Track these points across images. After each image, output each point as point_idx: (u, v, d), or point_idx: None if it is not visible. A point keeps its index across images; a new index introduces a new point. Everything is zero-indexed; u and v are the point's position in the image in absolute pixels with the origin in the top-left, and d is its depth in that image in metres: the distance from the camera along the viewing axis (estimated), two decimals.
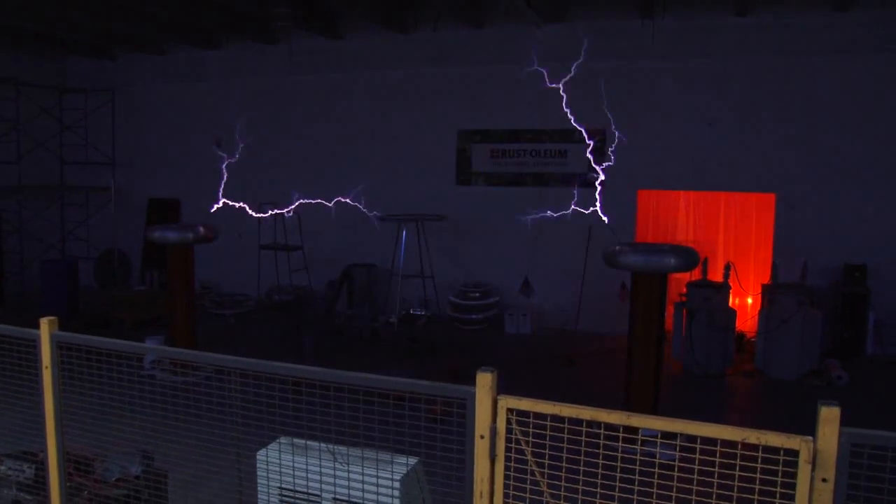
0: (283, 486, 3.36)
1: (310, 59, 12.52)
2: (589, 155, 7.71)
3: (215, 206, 8.77)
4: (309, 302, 12.33)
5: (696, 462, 2.45)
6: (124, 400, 3.88)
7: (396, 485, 3.21)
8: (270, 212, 9.83)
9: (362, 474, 3.08)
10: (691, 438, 2.45)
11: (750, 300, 10.61)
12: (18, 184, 12.82)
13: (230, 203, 8.75)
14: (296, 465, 3.25)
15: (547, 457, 2.68)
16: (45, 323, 3.53)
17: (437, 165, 11.97)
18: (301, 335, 9.70)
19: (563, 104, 7.88)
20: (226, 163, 8.87)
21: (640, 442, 2.64)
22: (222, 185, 8.77)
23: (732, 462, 2.39)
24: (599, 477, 2.63)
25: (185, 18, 11.16)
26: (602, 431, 2.57)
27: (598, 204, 7.27)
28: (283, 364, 3.11)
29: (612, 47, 10.65)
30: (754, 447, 2.33)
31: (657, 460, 2.64)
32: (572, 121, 7.43)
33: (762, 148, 10.19)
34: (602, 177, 7.26)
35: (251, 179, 9.90)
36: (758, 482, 2.36)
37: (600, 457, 2.61)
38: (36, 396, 3.63)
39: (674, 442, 2.54)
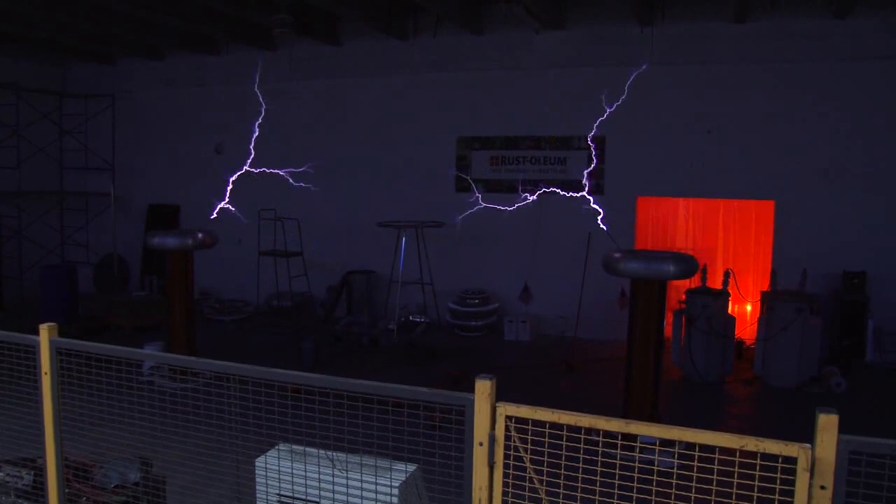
0: (282, 492, 3.35)
1: (309, 65, 12.55)
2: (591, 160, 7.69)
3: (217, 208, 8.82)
4: (308, 308, 12.32)
5: (695, 469, 2.45)
6: (123, 406, 3.89)
7: (395, 492, 3.20)
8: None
9: (361, 481, 3.08)
10: (690, 446, 2.45)
11: (749, 307, 10.61)
12: (18, 189, 12.83)
13: (231, 209, 8.82)
14: (295, 471, 3.25)
15: (545, 464, 2.69)
16: (44, 329, 3.53)
17: (437, 172, 11.98)
18: (300, 342, 9.70)
19: (563, 111, 7.91)
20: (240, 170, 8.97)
21: (638, 449, 2.65)
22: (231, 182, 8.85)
23: (731, 469, 2.40)
24: (598, 484, 2.63)
25: (185, 24, 11.19)
26: (601, 439, 2.57)
27: (596, 209, 7.28)
28: (282, 371, 3.12)
29: (611, 54, 10.69)
30: (753, 454, 2.33)
31: (656, 468, 2.64)
32: (571, 128, 7.44)
33: (761, 155, 10.21)
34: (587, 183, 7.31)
35: (251, 183, 9.93)
36: (756, 490, 2.36)
37: (599, 464, 2.62)
38: (35, 402, 3.63)
39: (672, 449, 2.54)
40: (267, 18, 10.19)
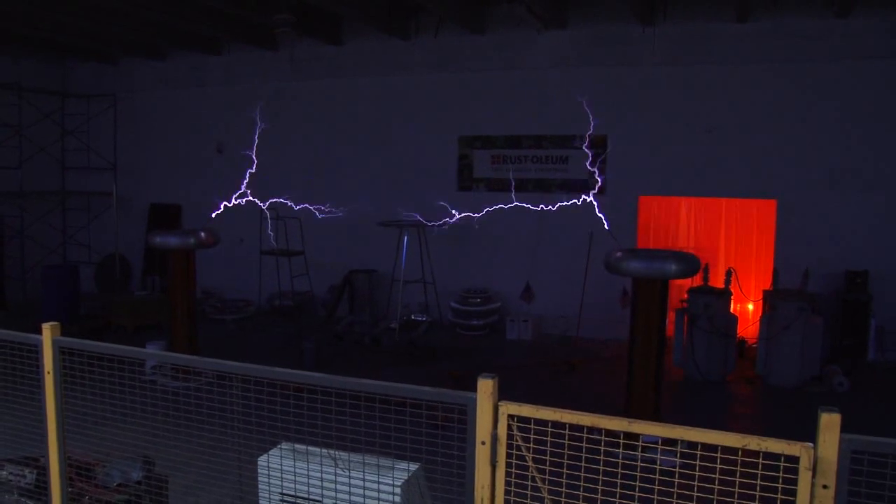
0: (285, 491, 3.36)
1: (311, 65, 12.55)
2: (590, 165, 7.70)
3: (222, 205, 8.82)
4: (310, 308, 12.33)
5: (697, 468, 2.45)
6: (125, 405, 3.89)
7: (397, 491, 3.21)
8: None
9: (363, 480, 3.08)
10: (692, 445, 2.45)
11: (751, 306, 10.60)
12: (20, 189, 12.85)
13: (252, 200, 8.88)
14: (297, 470, 3.25)
15: (548, 463, 2.69)
16: (47, 328, 3.54)
17: (439, 171, 11.98)
18: (302, 341, 9.70)
19: (564, 110, 7.91)
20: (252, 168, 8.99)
21: (640, 448, 2.65)
22: (244, 184, 8.87)
23: (733, 469, 2.40)
24: (600, 483, 2.63)
25: (187, 24, 11.20)
26: (603, 438, 2.57)
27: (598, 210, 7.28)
28: (285, 370, 3.12)
29: (613, 54, 10.69)
30: (755, 454, 2.33)
31: (658, 466, 2.64)
32: (572, 127, 7.45)
33: (763, 154, 10.20)
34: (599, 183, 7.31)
35: (251, 183, 9.94)
36: (758, 489, 2.36)
37: (601, 463, 2.62)
38: (37, 401, 3.64)
39: (675, 448, 2.54)
40: (268, 18, 10.18)
